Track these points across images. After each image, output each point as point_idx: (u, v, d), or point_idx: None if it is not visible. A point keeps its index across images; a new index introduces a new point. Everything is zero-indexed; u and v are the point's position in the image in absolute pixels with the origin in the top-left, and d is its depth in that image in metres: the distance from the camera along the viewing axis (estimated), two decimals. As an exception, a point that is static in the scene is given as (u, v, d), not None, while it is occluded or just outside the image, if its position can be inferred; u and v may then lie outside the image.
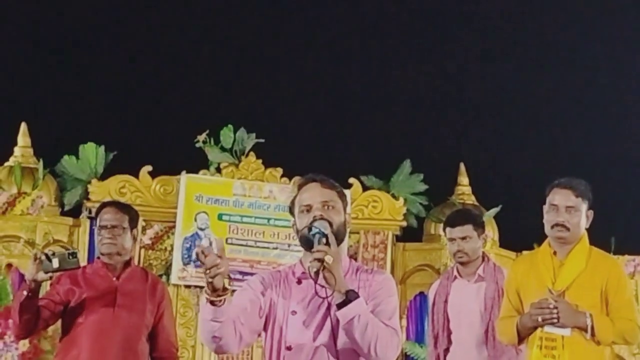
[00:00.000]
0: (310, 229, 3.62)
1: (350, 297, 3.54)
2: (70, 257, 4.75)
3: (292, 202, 3.83)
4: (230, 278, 9.30)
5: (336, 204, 3.76)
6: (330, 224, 3.64)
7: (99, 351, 4.98)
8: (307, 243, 3.62)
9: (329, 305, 3.61)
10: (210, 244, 9.42)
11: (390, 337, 3.62)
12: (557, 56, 10.89)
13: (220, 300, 3.45)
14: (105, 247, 5.15)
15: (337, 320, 3.58)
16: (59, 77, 10.31)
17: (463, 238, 5.93)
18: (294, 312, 3.70)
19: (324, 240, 3.55)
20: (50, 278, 4.86)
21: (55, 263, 4.71)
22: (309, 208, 3.73)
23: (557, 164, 8.08)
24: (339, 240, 3.67)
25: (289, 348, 3.68)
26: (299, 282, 3.73)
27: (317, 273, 3.51)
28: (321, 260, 3.49)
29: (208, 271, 3.41)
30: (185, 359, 9.17)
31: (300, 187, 3.82)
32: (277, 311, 3.74)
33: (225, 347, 3.62)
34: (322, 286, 3.54)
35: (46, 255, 4.74)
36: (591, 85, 10.76)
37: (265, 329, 3.77)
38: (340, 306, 3.55)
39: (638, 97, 10.70)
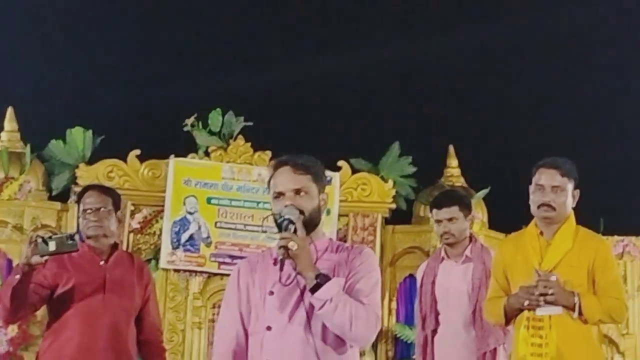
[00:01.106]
0: (280, 216, 3.66)
1: (321, 280, 3.56)
2: (68, 239, 4.70)
3: (268, 183, 3.84)
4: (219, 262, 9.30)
5: (309, 189, 3.76)
6: (302, 211, 3.68)
7: (90, 335, 4.98)
8: (278, 229, 3.66)
9: (304, 287, 3.63)
10: (200, 228, 9.44)
11: (367, 316, 3.63)
12: (546, 37, 10.86)
13: None
14: (92, 229, 5.13)
15: (311, 303, 3.62)
16: (45, 61, 10.25)
17: (449, 219, 5.95)
18: (270, 293, 3.73)
19: (291, 227, 3.60)
20: (45, 262, 4.78)
21: (53, 246, 4.65)
22: (281, 195, 3.75)
23: (546, 145, 8.06)
24: (314, 225, 3.74)
25: (268, 328, 3.70)
26: (275, 262, 3.73)
27: (282, 260, 3.56)
28: (285, 247, 3.54)
29: None
30: (175, 343, 9.15)
31: (274, 168, 3.82)
32: (255, 294, 3.79)
33: None
34: (293, 268, 3.59)
35: (43, 238, 4.67)
36: (579, 65, 10.74)
37: (248, 315, 3.81)
38: (312, 291, 3.58)
39: (626, 76, 10.68)
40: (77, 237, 4.77)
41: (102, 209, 5.13)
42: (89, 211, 5.13)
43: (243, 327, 3.81)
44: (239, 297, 3.83)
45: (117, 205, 5.23)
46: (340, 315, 3.57)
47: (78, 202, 5.28)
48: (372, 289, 3.73)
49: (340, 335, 3.65)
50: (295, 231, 3.59)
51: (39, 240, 4.65)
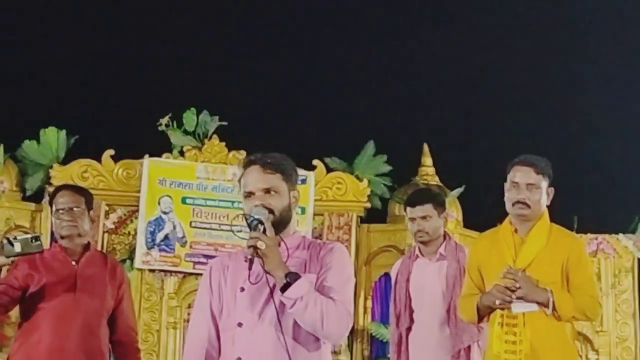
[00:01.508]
0: (249, 216, 3.67)
1: (290, 279, 3.56)
2: (33, 240, 4.66)
3: (239, 182, 3.83)
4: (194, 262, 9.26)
5: (279, 188, 3.75)
6: (271, 210, 3.68)
7: (61, 336, 4.93)
8: (248, 228, 3.68)
9: (273, 286, 3.63)
10: (174, 227, 9.39)
11: (338, 313, 3.63)
12: (519, 36, 10.89)
13: None
14: (66, 229, 5.09)
15: (281, 302, 3.61)
16: (18, 60, 10.18)
17: (423, 217, 5.94)
18: (242, 289, 3.73)
19: (260, 227, 3.61)
20: (12, 263, 4.78)
21: (18, 247, 4.61)
22: (250, 194, 3.74)
23: (520, 144, 8.06)
24: (284, 223, 3.74)
25: (239, 324, 3.69)
26: (247, 261, 3.72)
27: (251, 260, 3.58)
28: (254, 247, 3.55)
29: None
30: (150, 343, 9.12)
31: (244, 168, 3.82)
32: (227, 291, 3.78)
33: None
34: (262, 268, 3.59)
35: (8, 239, 4.64)
36: (552, 64, 10.77)
37: (220, 313, 3.81)
38: (283, 289, 3.58)
39: (599, 76, 10.71)
40: (42, 238, 4.73)
41: (75, 209, 5.09)
42: (62, 211, 5.09)
43: (215, 325, 3.80)
44: (210, 296, 3.82)
45: (89, 205, 5.20)
46: (311, 313, 3.57)
47: (51, 202, 5.23)
48: (343, 286, 3.72)
49: (313, 333, 3.64)
50: (264, 231, 3.60)
51: (5, 241, 4.61)
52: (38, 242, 4.67)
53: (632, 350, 9.76)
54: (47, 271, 5.01)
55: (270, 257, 3.57)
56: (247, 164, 3.81)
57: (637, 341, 9.78)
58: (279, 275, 3.57)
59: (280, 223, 3.70)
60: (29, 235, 4.74)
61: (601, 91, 10.59)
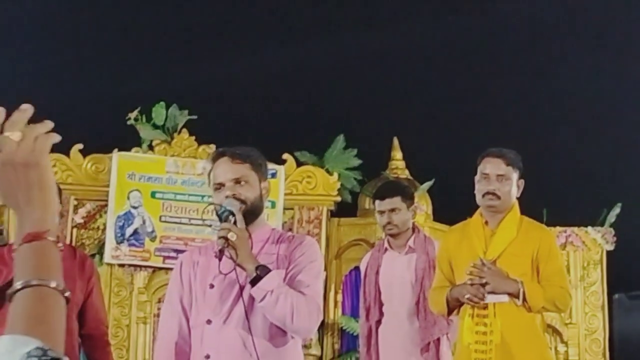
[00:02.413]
0: (219, 207, 3.66)
1: (261, 273, 3.54)
2: None
3: (208, 176, 3.81)
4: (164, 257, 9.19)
5: (249, 177, 3.75)
6: (244, 201, 3.67)
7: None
8: (219, 220, 3.67)
9: (243, 282, 3.63)
10: (144, 222, 9.33)
11: (308, 307, 3.61)
12: (487, 28, 10.91)
13: None
14: None
15: (249, 295, 3.61)
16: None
17: (392, 210, 5.93)
18: (211, 286, 3.73)
19: (231, 218, 3.59)
20: None
21: None
22: (221, 186, 3.73)
23: (490, 138, 8.07)
24: (255, 214, 3.75)
25: (208, 322, 3.67)
26: (217, 256, 3.70)
27: (221, 250, 3.56)
28: (225, 238, 3.53)
29: None
30: (120, 338, 9.07)
31: (213, 160, 3.82)
32: (197, 287, 3.78)
33: None
34: (231, 259, 3.58)
35: None
36: (522, 57, 10.80)
37: (191, 304, 3.79)
38: (252, 283, 3.56)
39: (569, 67, 10.75)
40: (4, 232, 4.67)
41: None
42: None
43: (186, 319, 3.79)
44: (181, 290, 3.81)
45: (59, 200, 5.13)
46: (281, 307, 3.55)
47: None
48: (313, 280, 3.71)
49: (282, 327, 3.63)
50: (235, 222, 3.58)
51: None
52: (1, 236, 4.61)
53: (601, 342, 9.79)
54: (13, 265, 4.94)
55: (240, 249, 3.55)
56: (216, 157, 3.81)
57: (606, 333, 9.82)
58: (250, 268, 3.56)
59: (252, 214, 3.69)
60: None
61: (572, 83, 10.61)
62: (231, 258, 3.55)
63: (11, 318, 1.58)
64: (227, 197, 3.67)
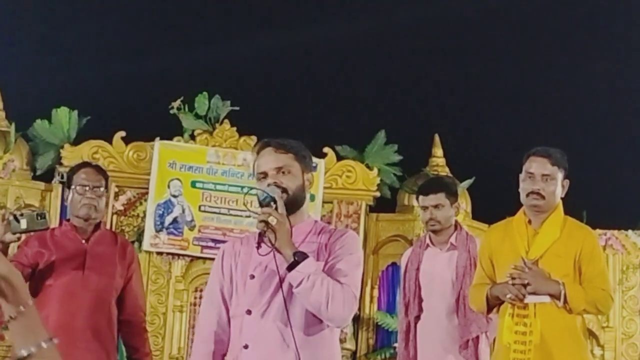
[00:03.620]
0: (261, 193, 3.68)
1: (298, 258, 3.54)
2: (39, 217, 4.62)
3: (252, 167, 3.83)
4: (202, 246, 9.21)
5: (292, 167, 3.76)
6: (285, 189, 3.68)
7: (68, 313, 4.90)
8: (260, 206, 3.68)
9: (284, 272, 3.62)
10: (183, 211, 9.33)
11: (344, 295, 3.62)
12: (533, 26, 10.83)
13: None
14: (85, 207, 5.03)
15: (289, 285, 3.62)
16: (32, 40, 10.15)
17: (435, 206, 5.91)
18: (252, 276, 3.74)
19: (272, 204, 3.60)
20: (19, 239, 4.71)
21: (24, 224, 4.58)
22: (264, 175, 3.75)
23: (532, 137, 8.02)
24: (298, 204, 3.75)
25: (248, 312, 3.67)
26: (259, 247, 3.70)
27: (261, 235, 3.58)
28: (266, 222, 3.54)
29: None
30: (156, 326, 9.08)
31: (257, 151, 3.84)
32: (238, 277, 3.78)
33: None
34: (270, 243, 3.58)
35: (14, 216, 4.60)
36: (568, 54, 10.71)
37: (231, 295, 3.80)
38: (289, 269, 3.57)
39: (619, 71, 10.65)
40: (47, 215, 4.68)
41: (97, 188, 5.04)
42: (84, 188, 5.03)
43: (226, 309, 3.81)
44: (222, 280, 3.83)
45: (107, 186, 5.17)
46: (317, 293, 3.56)
47: (70, 176, 5.16)
48: (351, 270, 3.71)
49: (316, 314, 3.64)
50: (276, 208, 3.59)
51: (11, 218, 4.57)
52: (44, 220, 4.62)
53: (638, 347, 9.71)
54: (56, 249, 4.98)
55: (280, 233, 3.55)
56: (260, 147, 3.84)
57: (643, 338, 9.75)
58: (287, 253, 3.57)
59: (293, 203, 3.70)
60: (34, 212, 4.70)
61: (617, 85, 10.52)
62: (269, 242, 3.56)
63: None
64: (269, 184, 3.69)
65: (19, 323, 1.94)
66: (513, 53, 10.77)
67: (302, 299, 3.59)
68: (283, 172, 3.72)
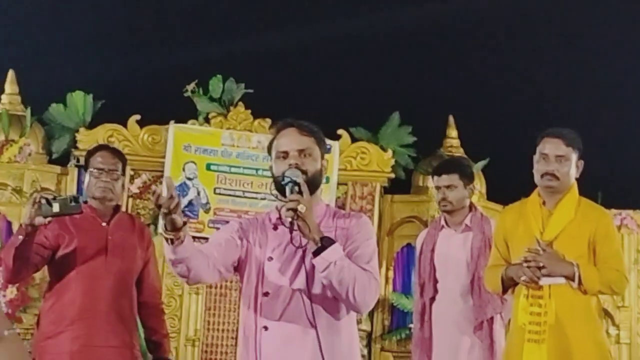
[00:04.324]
0: (283, 178, 3.64)
1: (325, 243, 3.55)
2: (72, 201, 4.65)
3: (270, 145, 3.81)
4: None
5: (313, 151, 3.76)
6: (305, 172, 3.66)
7: (92, 296, 4.94)
8: (280, 190, 3.67)
9: (304, 251, 3.62)
10: (199, 194, 9.33)
11: (368, 281, 3.62)
12: (547, 6, 10.79)
13: (179, 237, 3.48)
14: (100, 190, 5.06)
15: (312, 266, 3.60)
16: (47, 24, 10.17)
17: (448, 186, 5.93)
18: (270, 259, 3.72)
19: (296, 189, 3.58)
20: (49, 223, 4.71)
21: (56, 207, 4.59)
22: (285, 155, 3.74)
23: (545, 118, 8.03)
24: (315, 187, 3.73)
25: (265, 294, 3.68)
26: (275, 228, 3.76)
27: (291, 223, 3.54)
28: (294, 210, 3.51)
29: (165, 209, 3.37)
30: (172, 308, 9.13)
31: (278, 130, 3.82)
32: (253, 257, 3.77)
33: (197, 278, 3.66)
34: (296, 231, 3.56)
35: (46, 199, 4.62)
36: (580, 36, 10.68)
37: (242, 275, 3.79)
38: (315, 253, 3.56)
39: (630, 48, 10.61)
40: (80, 199, 4.71)
41: (113, 171, 5.07)
42: (100, 171, 5.07)
43: (236, 239, 3.76)
44: (237, 229, 3.79)
45: (124, 169, 5.20)
46: (343, 279, 3.55)
47: (87, 159, 5.19)
48: (371, 256, 3.73)
49: (341, 300, 3.63)
50: (300, 193, 3.56)
51: (43, 201, 4.59)
52: (77, 204, 4.65)
53: (653, 326, 9.74)
54: (77, 232, 5.00)
55: (309, 220, 3.54)
56: (282, 126, 3.81)
57: (658, 317, 9.77)
58: (315, 239, 3.55)
59: (311, 186, 3.67)
60: (67, 196, 4.73)
61: (632, 64, 10.49)
62: (300, 230, 3.55)
63: None
64: (290, 166, 3.67)
65: None
66: (528, 33, 10.74)
67: (328, 283, 3.58)
68: (304, 155, 3.71)
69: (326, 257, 3.54)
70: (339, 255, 3.56)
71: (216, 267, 3.69)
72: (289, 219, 3.53)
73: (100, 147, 5.34)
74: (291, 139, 3.74)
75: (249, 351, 3.73)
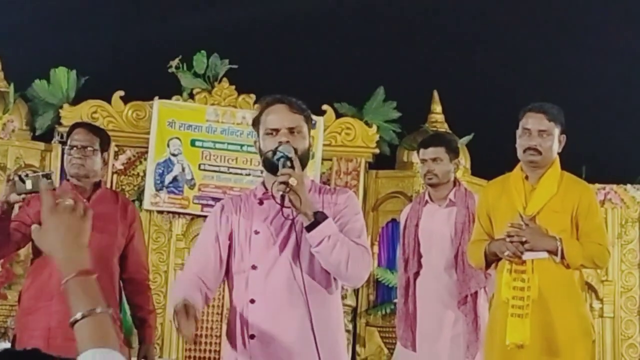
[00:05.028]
0: (274, 153, 3.65)
1: (318, 218, 3.56)
2: (45, 178, 4.67)
3: (257, 119, 3.81)
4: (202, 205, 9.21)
5: (302, 128, 3.77)
6: (295, 150, 3.66)
7: (70, 271, 4.92)
8: (270, 166, 3.68)
9: (292, 223, 3.61)
10: (183, 170, 9.25)
11: (361, 255, 3.65)
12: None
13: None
14: (74, 167, 5.06)
15: (302, 238, 3.62)
16: (31, 0, 10.13)
17: (434, 159, 5.93)
18: (256, 232, 3.74)
19: (288, 163, 3.59)
20: (23, 200, 4.78)
21: (29, 184, 4.63)
22: (275, 132, 3.74)
23: (529, 93, 8.03)
24: (303, 165, 3.72)
25: (253, 267, 3.69)
26: (261, 202, 3.77)
27: (282, 196, 3.54)
28: (286, 183, 3.51)
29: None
30: (157, 284, 9.14)
31: (267, 105, 3.80)
32: (239, 233, 3.78)
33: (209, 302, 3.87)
34: (288, 207, 3.57)
35: (19, 176, 4.65)
36: (564, 10, 10.69)
37: (229, 252, 3.80)
38: (309, 228, 3.56)
39: (613, 20, 10.62)
40: (52, 176, 4.73)
41: (87, 148, 5.06)
42: (74, 148, 5.07)
43: (216, 262, 3.79)
44: (218, 232, 3.81)
45: (104, 146, 5.16)
46: (337, 253, 3.58)
47: (67, 138, 5.20)
48: (361, 230, 3.76)
49: (334, 274, 3.66)
50: (292, 167, 3.58)
51: (16, 178, 4.63)
52: (49, 180, 4.67)
53: (636, 300, 9.79)
54: (57, 208, 5.00)
55: (301, 194, 3.55)
56: (271, 102, 3.81)
57: (642, 291, 9.83)
58: (308, 213, 3.57)
59: (301, 164, 3.67)
60: (40, 173, 4.74)
61: (615, 40, 10.50)
62: (292, 204, 3.55)
63: (81, 340, 2.16)
64: (280, 143, 3.67)
65: (73, 287, 2.29)
66: (511, 9, 10.74)
67: (322, 258, 3.60)
68: (294, 133, 3.72)
69: (320, 231, 3.56)
70: (332, 230, 3.58)
71: (215, 284, 3.81)
72: (280, 193, 3.53)
73: (77, 125, 5.33)
74: (282, 116, 3.74)
75: (235, 325, 3.74)
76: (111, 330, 2.21)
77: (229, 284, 3.85)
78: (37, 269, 5.02)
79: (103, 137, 5.20)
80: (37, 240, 2.40)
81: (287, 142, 3.67)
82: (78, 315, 2.22)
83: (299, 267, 3.63)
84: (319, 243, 3.56)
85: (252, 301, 3.69)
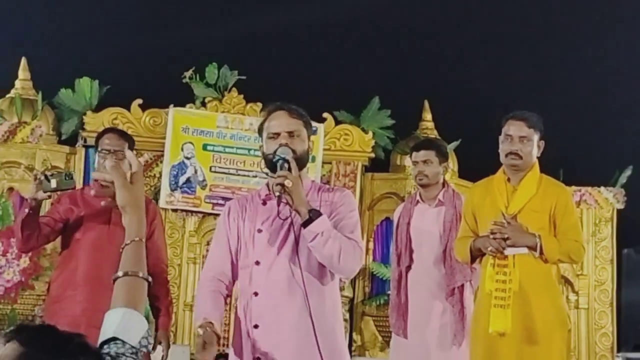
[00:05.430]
0: (273, 156, 3.69)
1: (313, 215, 3.59)
2: (67, 178, 4.72)
3: (261, 126, 3.85)
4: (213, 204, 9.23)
5: (301, 132, 3.80)
6: (294, 151, 3.70)
7: (96, 264, 4.96)
8: (271, 167, 3.72)
9: (292, 222, 3.65)
10: (196, 172, 9.28)
11: (352, 249, 3.67)
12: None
13: None
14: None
15: (299, 235, 3.66)
16: (57, 14, 10.17)
17: (425, 162, 5.94)
18: (259, 231, 3.77)
19: (285, 165, 3.62)
20: (49, 197, 4.86)
21: (54, 183, 4.68)
22: (276, 136, 3.77)
23: (512, 101, 8.06)
24: (302, 166, 3.76)
25: (257, 263, 3.72)
26: (264, 203, 3.80)
27: (279, 196, 3.59)
28: (282, 185, 3.55)
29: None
30: (172, 276, 9.13)
31: (269, 113, 3.85)
32: (245, 232, 3.81)
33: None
34: (286, 203, 3.62)
35: (45, 176, 4.71)
36: (548, 17, 10.70)
37: (238, 250, 3.84)
38: (305, 225, 3.60)
39: (595, 30, 10.62)
40: (73, 175, 4.77)
41: (118, 152, 5.09)
42: (105, 152, 5.09)
43: (230, 258, 3.83)
44: (228, 232, 3.85)
45: (131, 150, 5.19)
46: (330, 247, 3.60)
47: (97, 141, 5.22)
48: (355, 226, 3.77)
49: (328, 267, 3.68)
50: (289, 169, 3.61)
51: (42, 177, 4.68)
52: (71, 180, 4.72)
53: (609, 293, 9.81)
54: (85, 206, 5.05)
55: (296, 194, 3.58)
56: (273, 109, 3.84)
57: (614, 284, 9.83)
58: (303, 211, 3.60)
59: (299, 165, 3.71)
60: (63, 173, 4.79)
61: (592, 49, 10.51)
62: (287, 203, 3.59)
63: (116, 296, 2.25)
64: (280, 145, 3.71)
65: (130, 250, 2.35)
66: (497, 23, 10.76)
67: (316, 252, 3.63)
68: (293, 136, 3.75)
69: (314, 228, 3.59)
70: (326, 226, 3.61)
71: (233, 278, 3.86)
72: (278, 193, 3.58)
73: (108, 130, 5.36)
74: (281, 122, 3.77)
75: (241, 316, 3.78)
76: (144, 297, 2.27)
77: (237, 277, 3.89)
78: (65, 260, 5.07)
79: (130, 142, 5.23)
80: (121, 187, 2.48)
81: (286, 144, 3.70)
82: (120, 273, 2.30)
83: (298, 262, 3.66)
84: (313, 238, 3.60)
85: (256, 294, 3.72)
